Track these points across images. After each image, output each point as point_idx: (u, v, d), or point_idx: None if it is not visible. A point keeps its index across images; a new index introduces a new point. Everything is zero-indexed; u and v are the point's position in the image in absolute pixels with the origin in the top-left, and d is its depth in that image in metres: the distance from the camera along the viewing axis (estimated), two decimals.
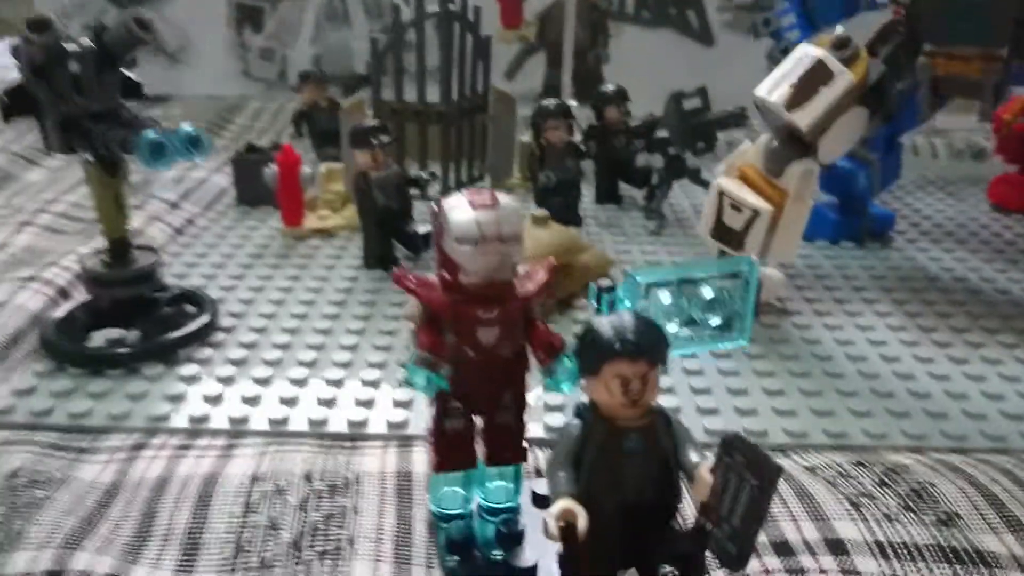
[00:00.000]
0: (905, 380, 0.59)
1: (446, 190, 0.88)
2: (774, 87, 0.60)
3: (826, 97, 0.59)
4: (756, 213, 0.63)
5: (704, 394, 0.57)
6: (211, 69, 1.48)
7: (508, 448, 0.42)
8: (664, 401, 0.42)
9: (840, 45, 0.59)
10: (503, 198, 0.37)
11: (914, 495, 0.46)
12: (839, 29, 0.62)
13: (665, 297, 0.41)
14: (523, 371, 0.40)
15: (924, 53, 0.59)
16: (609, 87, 0.92)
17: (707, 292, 0.42)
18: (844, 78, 0.58)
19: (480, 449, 0.42)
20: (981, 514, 0.44)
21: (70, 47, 0.53)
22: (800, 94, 0.59)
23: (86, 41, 0.54)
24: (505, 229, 0.36)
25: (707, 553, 0.34)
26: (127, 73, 0.57)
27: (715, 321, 0.43)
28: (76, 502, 0.43)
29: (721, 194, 0.65)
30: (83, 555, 0.38)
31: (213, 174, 1.02)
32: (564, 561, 0.38)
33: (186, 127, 0.52)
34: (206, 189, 0.97)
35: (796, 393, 0.57)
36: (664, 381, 0.58)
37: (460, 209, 0.36)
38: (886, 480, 0.47)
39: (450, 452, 0.41)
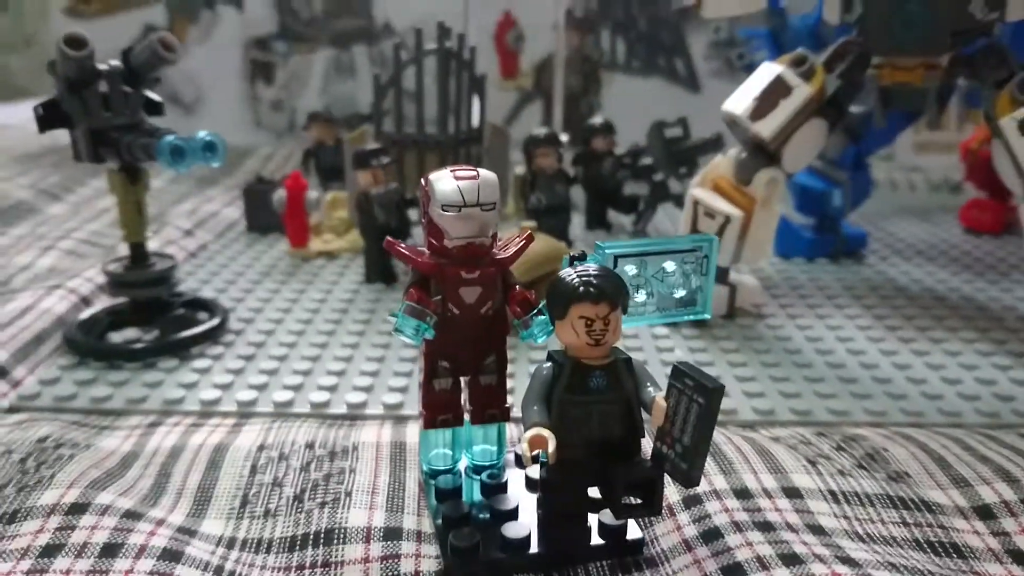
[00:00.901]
0: (869, 369, 0.63)
1: None
2: (739, 101, 0.66)
3: (786, 109, 0.64)
4: (728, 219, 0.68)
5: None
6: (224, 119, 1.55)
7: (492, 407, 0.46)
8: None
9: (798, 62, 0.65)
10: (483, 171, 0.42)
11: (868, 457, 0.49)
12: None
13: (631, 268, 0.45)
14: (503, 334, 0.45)
15: (872, 66, 0.65)
16: (596, 120, 0.98)
17: (670, 266, 0.47)
18: (802, 91, 0.64)
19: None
20: (930, 474, 0.48)
21: (100, 67, 0.59)
22: (762, 106, 0.65)
23: (115, 61, 0.60)
24: (484, 197, 0.41)
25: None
26: (150, 94, 0.63)
27: (678, 293, 0.47)
28: (99, 462, 0.47)
29: (696, 203, 0.70)
30: (106, 494, 0.42)
31: (225, 207, 1.08)
32: (541, 500, 0.42)
33: (203, 134, 0.57)
34: (218, 220, 1.03)
35: (766, 379, 0.61)
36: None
37: (445, 180, 0.41)
38: (843, 446, 0.51)
39: (439, 409, 0.45)
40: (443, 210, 0.41)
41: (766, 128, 0.64)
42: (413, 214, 0.83)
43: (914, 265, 0.88)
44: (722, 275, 0.71)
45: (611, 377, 0.39)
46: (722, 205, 0.68)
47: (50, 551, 0.38)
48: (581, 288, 0.37)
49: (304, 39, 1.54)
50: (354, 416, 0.56)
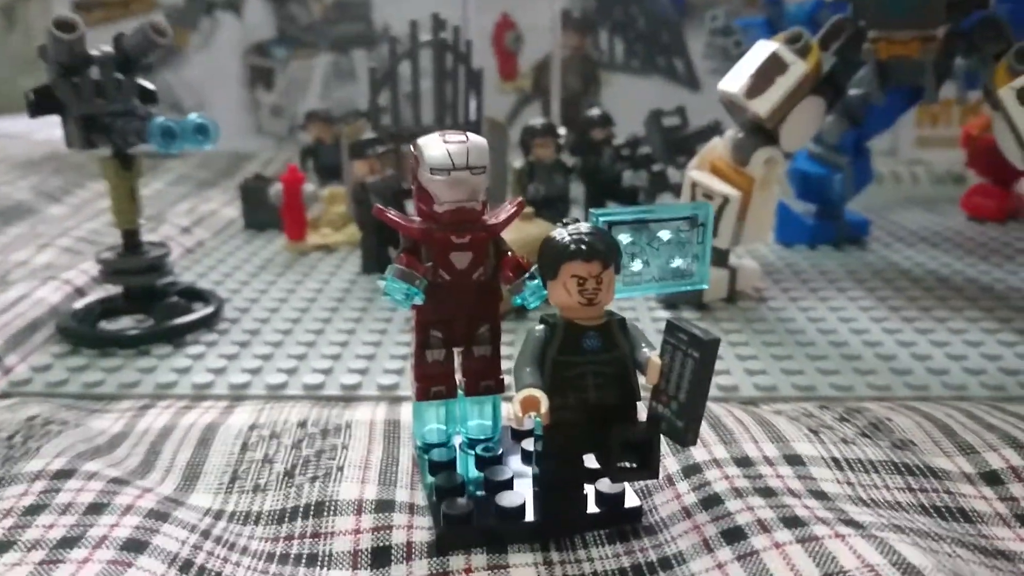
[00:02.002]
0: (872, 346, 0.62)
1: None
2: (735, 80, 0.65)
3: (782, 86, 0.64)
4: (726, 199, 0.67)
5: None
6: (225, 125, 1.54)
7: (486, 378, 0.45)
8: None
9: (793, 39, 0.65)
10: (472, 135, 0.41)
11: (872, 427, 0.48)
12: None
13: (626, 237, 0.45)
14: (496, 302, 0.44)
15: (868, 40, 0.64)
16: (594, 111, 0.98)
17: (665, 234, 0.46)
18: (797, 67, 0.64)
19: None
20: (935, 441, 0.47)
21: (93, 52, 0.59)
22: (758, 84, 0.64)
23: (107, 47, 0.60)
24: (473, 160, 0.40)
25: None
26: (143, 82, 0.63)
27: (675, 263, 0.46)
28: (87, 440, 0.47)
29: (693, 185, 0.69)
30: (93, 463, 0.42)
31: (223, 207, 1.08)
32: (537, 468, 0.41)
33: (194, 117, 0.57)
34: (216, 218, 1.03)
35: (767, 357, 0.60)
36: None
37: (434, 144, 0.41)
38: (847, 417, 0.50)
39: (432, 380, 0.44)
40: (432, 174, 0.40)
41: (763, 105, 0.64)
42: (411, 205, 0.83)
43: (918, 251, 0.87)
44: (722, 258, 0.71)
45: (605, 337, 0.38)
46: (720, 186, 0.67)
47: (34, 510, 0.38)
48: (572, 246, 0.37)
49: (303, 44, 1.55)
50: (348, 397, 0.55)
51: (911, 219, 1.01)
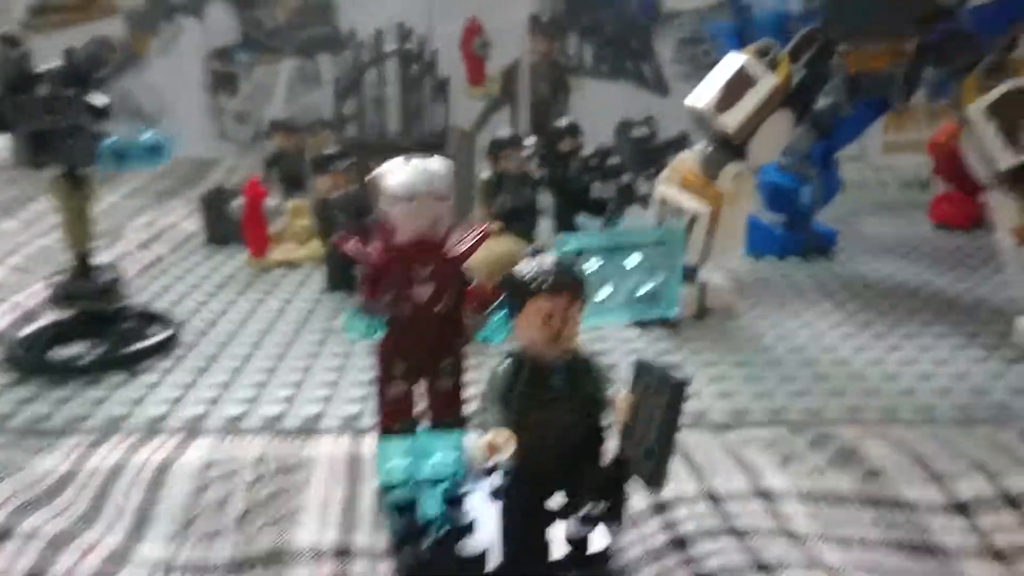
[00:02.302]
0: (841, 365, 0.61)
1: None
2: (703, 94, 0.65)
3: (751, 100, 0.63)
4: (695, 215, 0.66)
5: None
6: (188, 132, 1.52)
7: (449, 412, 0.43)
8: None
9: (762, 52, 0.64)
10: (434, 161, 0.40)
11: (842, 455, 0.47)
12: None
13: (594, 263, 0.43)
14: (460, 335, 0.42)
15: (838, 53, 0.64)
16: (562, 122, 0.97)
17: (634, 260, 0.45)
18: (767, 81, 0.63)
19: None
20: (905, 470, 0.46)
21: (40, 69, 0.57)
22: (727, 98, 0.63)
23: (56, 62, 0.57)
24: (436, 187, 0.39)
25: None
26: (95, 98, 0.61)
27: (643, 289, 0.45)
28: (29, 486, 0.44)
29: (663, 201, 0.68)
30: (34, 518, 0.40)
31: (183, 220, 1.05)
32: (501, 511, 0.39)
33: (147, 136, 0.55)
34: (176, 232, 1.00)
35: (737, 378, 0.59)
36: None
37: (395, 170, 0.39)
38: (817, 443, 0.49)
39: (395, 415, 0.43)
40: (393, 202, 0.39)
41: (731, 120, 0.63)
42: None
43: (884, 263, 0.87)
44: (691, 274, 0.70)
45: (572, 375, 0.37)
46: (688, 202, 0.67)
47: None
48: (538, 280, 0.35)
49: (268, 49, 1.52)
50: (309, 429, 0.53)
51: (878, 228, 1.01)
